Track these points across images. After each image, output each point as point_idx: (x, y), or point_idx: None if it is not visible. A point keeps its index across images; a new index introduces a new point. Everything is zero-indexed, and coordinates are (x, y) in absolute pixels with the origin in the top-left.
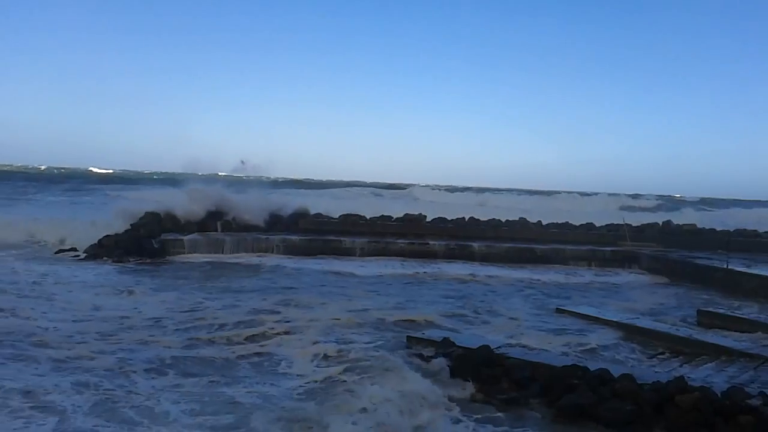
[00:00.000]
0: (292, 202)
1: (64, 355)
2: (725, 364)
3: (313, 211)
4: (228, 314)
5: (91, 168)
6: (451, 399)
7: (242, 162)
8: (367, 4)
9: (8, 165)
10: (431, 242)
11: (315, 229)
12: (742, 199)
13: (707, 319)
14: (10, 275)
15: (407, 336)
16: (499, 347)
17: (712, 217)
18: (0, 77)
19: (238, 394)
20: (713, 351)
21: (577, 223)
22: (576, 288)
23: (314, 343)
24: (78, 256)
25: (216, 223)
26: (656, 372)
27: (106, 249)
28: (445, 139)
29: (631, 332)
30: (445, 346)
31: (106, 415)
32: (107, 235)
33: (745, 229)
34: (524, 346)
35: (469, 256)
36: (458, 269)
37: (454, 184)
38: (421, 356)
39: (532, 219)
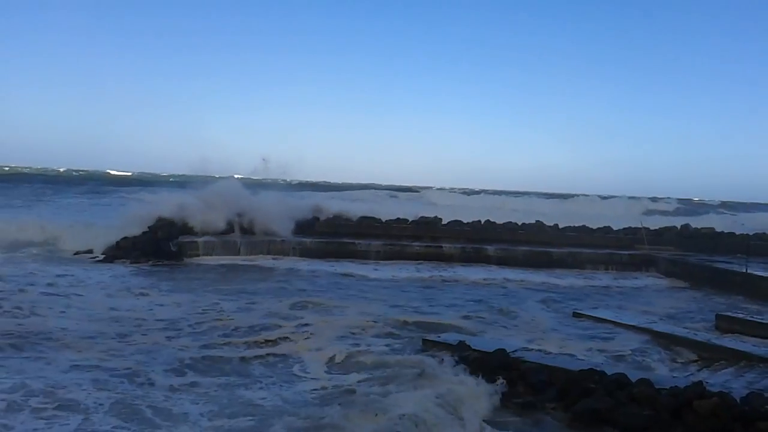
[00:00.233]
0: (307, 204)
1: (82, 355)
2: (744, 370)
3: (327, 214)
4: (243, 316)
5: (108, 170)
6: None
7: (263, 160)
8: (381, 7)
9: (28, 167)
10: (447, 245)
11: (330, 232)
12: (763, 202)
13: (726, 324)
14: (28, 276)
15: (423, 339)
16: (515, 351)
17: (734, 221)
18: (20, 81)
19: (256, 397)
20: (732, 356)
21: (595, 227)
22: (594, 292)
23: (330, 345)
24: (95, 257)
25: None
26: (674, 377)
27: (123, 251)
28: (461, 141)
29: (649, 336)
30: (461, 350)
31: (126, 415)
32: (124, 237)
33: (765, 233)
34: (540, 350)
35: (485, 260)
36: (474, 273)
37: (469, 187)
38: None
39: (549, 222)
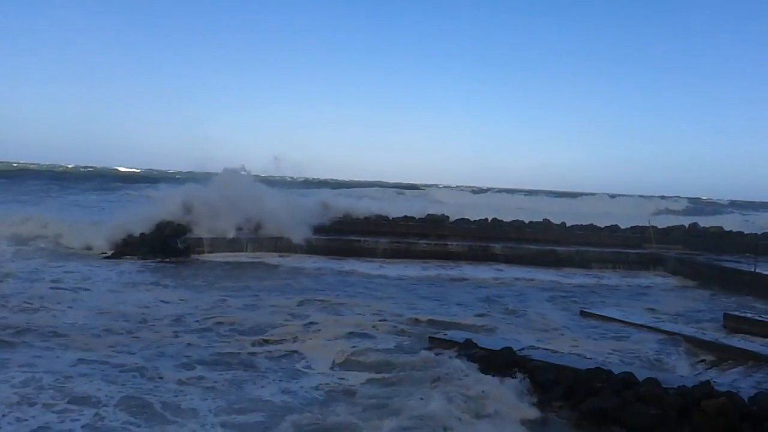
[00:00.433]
0: (315, 203)
1: (91, 350)
2: (752, 369)
3: (336, 214)
4: (249, 313)
5: (116, 167)
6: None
7: (276, 158)
8: (386, 4)
9: (35, 164)
10: (454, 243)
11: (337, 229)
12: None
13: (734, 323)
14: (36, 272)
15: (429, 336)
16: (522, 349)
17: (743, 220)
18: (28, 77)
19: (264, 393)
20: (740, 356)
21: (602, 225)
22: (602, 290)
23: (337, 343)
24: (102, 254)
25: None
26: (681, 376)
27: (130, 247)
28: (466, 139)
29: (656, 335)
30: (467, 348)
31: (136, 410)
32: (131, 234)
33: None
34: (547, 349)
35: (492, 258)
36: (481, 271)
37: (476, 185)
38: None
39: (556, 220)
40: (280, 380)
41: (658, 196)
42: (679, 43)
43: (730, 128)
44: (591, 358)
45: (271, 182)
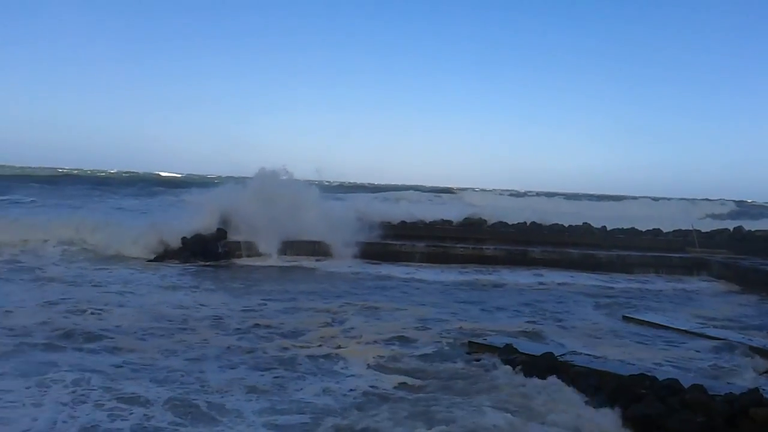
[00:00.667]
0: (350, 206)
1: (136, 351)
2: None
3: (370, 215)
4: (287, 316)
5: (158, 172)
6: None
7: (317, 171)
8: (417, 7)
9: (79, 169)
10: (492, 247)
11: (373, 233)
12: None
13: None
14: (80, 276)
15: (468, 341)
16: (564, 354)
17: None
18: (71, 84)
19: (306, 395)
20: None
21: (644, 229)
22: (645, 295)
23: (377, 348)
24: (144, 258)
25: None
26: (728, 383)
27: (171, 252)
28: (502, 142)
29: (705, 341)
30: (507, 353)
31: (183, 410)
32: (172, 239)
33: None
34: (589, 354)
35: (531, 262)
36: (521, 275)
37: (512, 188)
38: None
39: (597, 224)
40: (320, 382)
41: (703, 199)
42: (726, 43)
43: None
44: (634, 364)
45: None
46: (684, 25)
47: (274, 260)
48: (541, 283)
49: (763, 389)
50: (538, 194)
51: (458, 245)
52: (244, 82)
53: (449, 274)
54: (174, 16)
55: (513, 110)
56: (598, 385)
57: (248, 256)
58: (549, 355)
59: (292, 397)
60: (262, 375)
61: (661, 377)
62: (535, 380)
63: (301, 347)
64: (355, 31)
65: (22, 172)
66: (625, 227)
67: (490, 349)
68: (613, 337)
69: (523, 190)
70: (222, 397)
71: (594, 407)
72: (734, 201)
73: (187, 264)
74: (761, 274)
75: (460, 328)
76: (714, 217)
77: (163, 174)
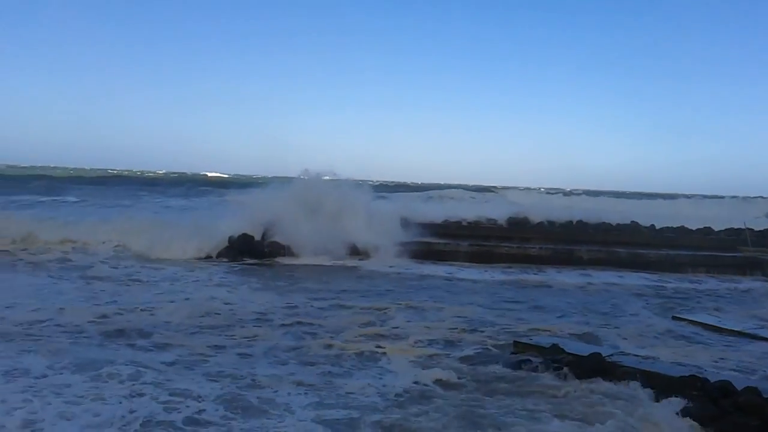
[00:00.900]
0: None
1: (187, 347)
2: None
3: (413, 214)
4: (332, 313)
5: (205, 172)
6: None
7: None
8: (468, 8)
9: (128, 170)
10: (537, 246)
11: (417, 233)
12: None
13: None
14: (131, 274)
15: (514, 341)
16: (611, 355)
17: None
18: (125, 89)
19: (351, 391)
20: None
21: (694, 228)
22: (699, 295)
23: (422, 347)
24: (191, 257)
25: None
26: None
27: (218, 251)
28: (547, 141)
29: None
30: (553, 353)
31: (234, 404)
32: (220, 238)
33: None
34: (637, 355)
35: (577, 261)
36: (567, 275)
37: (557, 187)
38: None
39: (645, 223)
40: (365, 378)
41: (756, 197)
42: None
43: None
44: (685, 365)
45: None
46: (738, 20)
47: (317, 259)
48: (588, 283)
49: None
50: (584, 193)
51: (503, 244)
52: (289, 83)
53: (493, 274)
54: (221, 18)
55: (558, 109)
56: (646, 386)
57: (292, 255)
58: (596, 356)
59: (338, 392)
60: (309, 371)
61: (712, 379)
62: (582, 382)
63: (346, 344)
64: (398, 31)
65: (75, 173)
66: (674, 226)
67: (536, 348)
68: (663, 338)
69: (568, 189)
70: (271, 391)
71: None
72: None
73: (233, 263)
74: None
75: (506, 327)
76: None
77: (209, 174)
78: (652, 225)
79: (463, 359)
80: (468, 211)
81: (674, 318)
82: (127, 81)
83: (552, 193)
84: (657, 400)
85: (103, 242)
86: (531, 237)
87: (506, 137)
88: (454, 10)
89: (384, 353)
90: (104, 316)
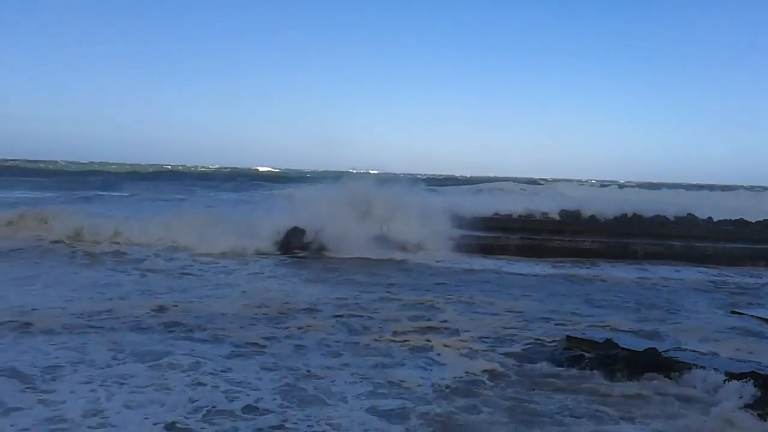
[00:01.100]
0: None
1: (243, 338)
2: None
3: (462, 208)
4: (381, 305)
5: (257, 167)
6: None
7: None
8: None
9: (182, 165)
10: (590, 240)
11: (466, 226)
12: None
13: None
14: (185, 267)
15: (566, 336)
16: (668, 350)
17: None
18: (179, 85)
19: (403, 382)
20: None
21: (754, 220)
22: (759, 289)
23: (469, 339)
24: (243, 250)
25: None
26: None
27: (269, 244)
28: (598, 132)
29: None
30: (607, 348)
31: (291, 393)
32: (269, 232)
33: None
34: (695, 351)
35: (631, 255)
36: (621, 269)
37: (610, 180)
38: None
39: (702, 215)
40: (416, 369)
41: None
42: None
43: None
44: (746, 361)
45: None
46: None
47: (365, 253)
48: (643, 277)
49: None
50: (639, 185)
51: (554, 238)
52: (340, 78)
53: (545, 268)
54: (271, 13)
55: (611, 101)
56: (705, 383)
57: (340, 248)
58: (652, 351)
59: (389, 383)
60: (361, 361)
61: (737, 370)
62: (638, 378)
63: (396, 336)
64: (447, 25)
65: (131, 168)
66: (733, 218)
67: (589, 343)
68: (723, 333)
69: (622, 181)
70: (325, 381)
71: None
72: None
73: (283, 256)
74: None
75: (558, 322)
76: None
77: (261, 169)
78: (710, 217)
79: (513, 353)
80: (518, 205)
81: (734, 313)
82: (181, 78)
83: (606, 185)
84: (717, 397)
85: (156, 236)
86: (583, 230)
87: (556, 130)
88: (500, 1)
89: (433, 346)
90: (161, 308)
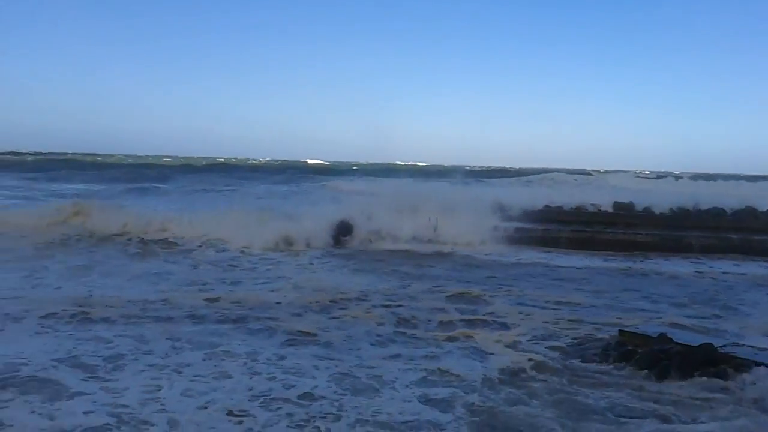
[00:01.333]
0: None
1: (296, 327)
2: None
3: (511, 199)
4: (429, 295)
5: (306, 160)
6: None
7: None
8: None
9: (234, 158)
10: (643, 233)
11: (516, 218)
12: None
13: None
14: (234, 259)
15: (619, 330)
16: (724, 346)
17: None
18: (232, 81)
19: (453, 372)
20: None
21: None
22: None
23: (518, 333)
24: (292, 241)
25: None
26: None
27: (316, 235)
28: (648, 123)
29: None
30: (661, 343)
31: (344, 382)
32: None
33: None
34: (753, 347)
35: (686, 249)
36: (677, 263)
37: (662, 170)
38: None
39: (762, 207)
40: (464, 360)
41: None
42: None
43: None
44: None
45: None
46: None
47: (412, 245)
48: (700, 271)
49: None
50: (696, 176)
51: (607, 230)
52: (390, 70)
53: (597, 261)
54: (323, 5)
55: (666, 92)
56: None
57: (387, 240)
58: (708, 346)
59: (438, 373)
60: (411, 351)
61: None
62: (694, 375)
63: (443, 327)
64: (495, 17)
65: (185, 161)
66: None
67: (642, 338)
68: None
69: (677, 172)
70: (377, 370)
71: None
72: None
73: (332, 248)
74: None
75: (610, 316)
76: None
77: (310, 161)
78: None
79: (562, 347)
80: (569, 196)
81: None
82: (233, 72)
83: (662, 176)
84: None
85: (205, 228)
86: (636, 223)
87: (609, 120)
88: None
89: (480, 338)
90: (214, 298)
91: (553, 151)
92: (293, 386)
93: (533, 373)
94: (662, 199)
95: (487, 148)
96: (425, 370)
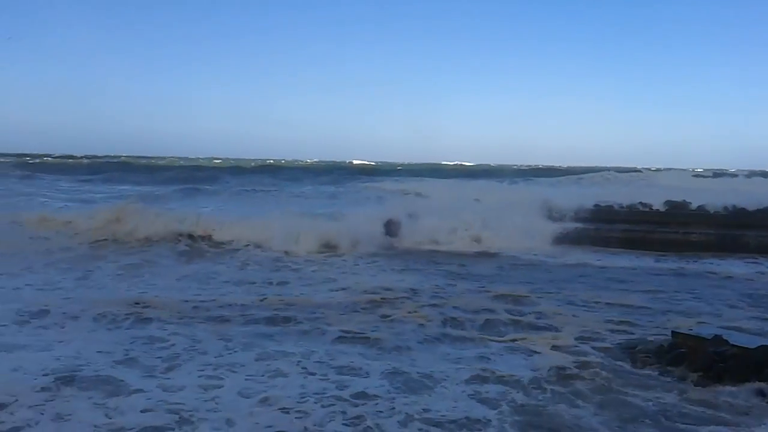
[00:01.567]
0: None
1: (347, 326)
2: None
3: (561, 198)
4: (475, 296)
5: (351, 160)
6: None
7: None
8: None
9: (282, 159)
10: (698, 232)
11: (564, 218)
12: None
13: None
14: (278, 260)
15: (672, 331)
16: None
17: None
18: (279, 82)
19: (501, 372)
20: None
21: None
22: None
23: (567, 334)
24: (336, 243)
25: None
26: None
27: (365, 236)
28: (701, 118)
29: None
30: (716, 345)
31: (396, 379)
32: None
33: None
34: None
35: (743, 249)
36: (733, 263)
37: (716, 168)
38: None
39: None
40: (513, 360)
41: None
42: None
43: None
44: None
45: (492, 173)
46: None
47: (458, 245)
48: (760, 272)
49: None
50: (754, 174)
51: (659, 230)
52: (437, 70)
53: (649, 261)
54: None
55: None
56: None
57: (432, 240)
58: (765, 349)
59: (487, 371)
60: (460, 351)
61: None
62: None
63: (490, 327)
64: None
65: (236, 163)
66: None
67: (696, 340)
68: None
69: (733, 169)
70: (428, 369)
71: None
72: None
73: (379, 248)
74: None
75: (663, 317)
76: None
77: (355, 162)
78: None
79: (611, 349)
80: (620, 195)
81: None
82: (285, 71)
83: (719, 175)
84: None
85: (253, 229)
86: (690, 222)
87: (660, 118)
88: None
89: (527, 338)
90: (264, 299)
91: (603, 149)
92: (347, 386)
93: (581, 373)
94: (717, 198)
95: (535, 146)
96: (473, 369)
